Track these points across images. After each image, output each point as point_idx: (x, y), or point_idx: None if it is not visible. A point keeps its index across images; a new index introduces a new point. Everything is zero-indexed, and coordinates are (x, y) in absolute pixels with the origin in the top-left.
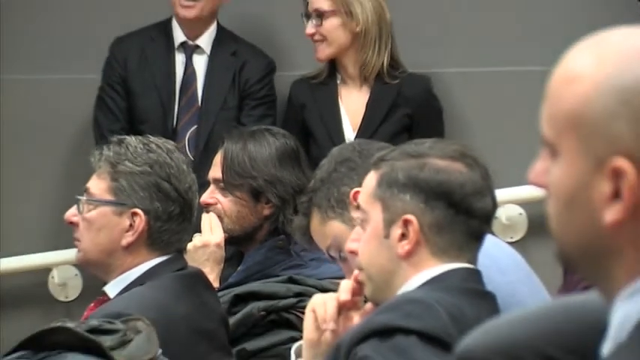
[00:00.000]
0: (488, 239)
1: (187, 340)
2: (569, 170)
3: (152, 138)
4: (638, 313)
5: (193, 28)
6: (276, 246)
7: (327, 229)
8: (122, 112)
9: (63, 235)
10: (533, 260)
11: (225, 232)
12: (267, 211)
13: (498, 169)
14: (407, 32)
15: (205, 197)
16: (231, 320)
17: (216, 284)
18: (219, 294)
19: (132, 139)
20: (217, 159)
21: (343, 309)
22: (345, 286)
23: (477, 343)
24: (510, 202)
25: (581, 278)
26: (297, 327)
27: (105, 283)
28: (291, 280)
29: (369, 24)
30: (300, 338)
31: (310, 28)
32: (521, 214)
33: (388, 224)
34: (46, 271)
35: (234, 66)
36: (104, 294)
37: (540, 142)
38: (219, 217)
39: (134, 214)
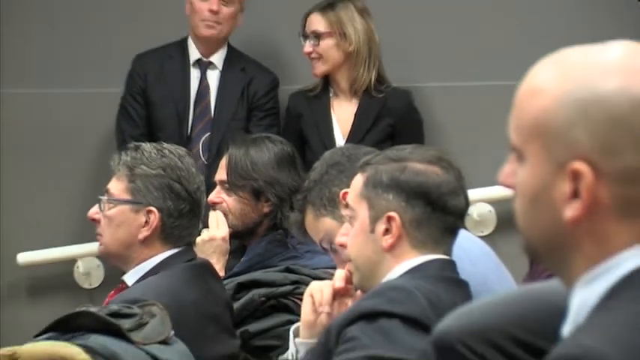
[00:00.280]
0: (462, 233)
1: (196, 323)
2: (534, 172)
3: (165, 144)
4: (594, 298)
5: (209, 46)
6: (275, 239)
7: (319, 225)
8: (142, 120)
9: (87, 231)
10: (502, 252)
11: (229, 227)
12: (266, 209)
13: (470, 171)
14: (391, 51)
15: (212, 197)
16: (235, 305)
17: (221, 273)
18: (225, 282)
19: (147, 146)
20: (223, 163)
21: (338, 295)
22: (340, 275)
23: (452, 326)
24: (481, 200)
25: (544, 268)
26: (293, 311)
27: (124, 273)
28: (288, 270)
29: (360, 44)
30: (296, 321)
31: (308, 47)
32: (490, 211)
33: (373, 220)
34: (72, 262)
35: (243, 81)
36: (123, 282)
37: (508, 148)
38: (225, 214)
39: (149, 211)
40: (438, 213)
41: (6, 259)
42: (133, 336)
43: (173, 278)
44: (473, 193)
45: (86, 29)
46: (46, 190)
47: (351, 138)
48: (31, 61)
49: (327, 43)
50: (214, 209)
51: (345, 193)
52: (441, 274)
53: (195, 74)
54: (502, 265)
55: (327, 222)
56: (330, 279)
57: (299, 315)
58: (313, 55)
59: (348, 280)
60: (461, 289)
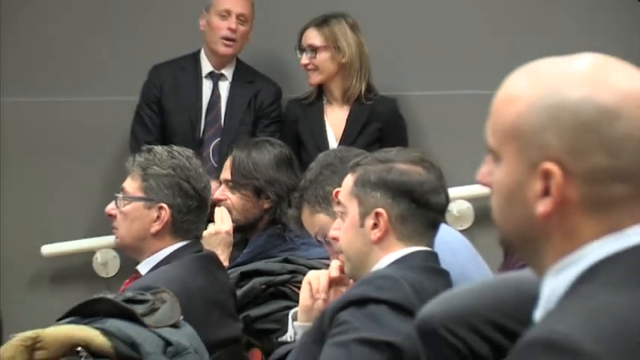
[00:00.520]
0: (443, 228)
1: (203, 309)
2: (509, 172)
3: (175, 147)
4: (563, 286)
5: (222, 61)
6: (274, 233)
7: (314, 220)
8: (155, 127)
9: (104, 225)
10: (479, 245)
11: (233, 222)
12: (266, 205)
13: (450, 171)
14: (378, 62)
15: (217, 194)
16: (239, 292)
17: (226, 264)
18: (229, 271)
19: (159, 148)
20: (227, 164)
21: (333, 283)
22: (335, 265)
23: (434, 311)
24: (460, 198)
25: (518, 259)
26: (291, 298)
27: (137, 263)
28: (286, 260)
29: (352, 57)
30: (293, 306)
31: (305, 59)
32: (469, 207)
33: (363, 216)
34: (91, 253)
35: (250, 92)
36: (137, 272)
37: (485, 150)
38: (229, 210)
39: (160, 207)
40: (421, 209)
41: (31, 251)
42: (146, 320)
43: (182, 268)
44: (453, 191)
45: (101, 41)
46: (68, 190)
47: (343, 141)
48: (56, 72)
49: (322, 56)
50: (219, 206)
51: (338, 192)
52: (424, 265)
53: (207, 85)
54: (479, 256)
55: (322, 217)
56: (325, 269)
57: (296, 301)
58: (310, 67)
59: (343, 270)
60: (442, 278)
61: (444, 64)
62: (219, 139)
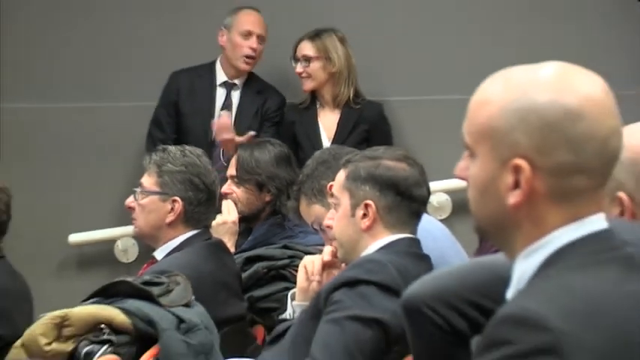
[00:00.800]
0: (424, 217)
1: (212, 290)
2: (483, 167)
3: (187, 147)
4: (532, 268)
5: (238, 73)
6: (275, 223)
7: (311, 210)
8: (170, 127)
9: (124, 216)
10: (456, 232)
11: (238, 213)
12: (268, 198)
13: (431, 167)
14: (366, 70)
15: (224, 188)
16: (243, 275)
17: (232, 250)
18: (235, 257)
19: (172, 148)
20: (233, 161)
21: (326, 266)
22: (328, 250)
23: (418, 291)
24: (440, 190)
25: (491, 244)
26: (290, 280)
27: (154, 250)
28: (285, 247)
29: (341, 67)
30: (292, 288)
31: (299, 68)
32: (447, 199)
33: (354, 207)
34: (112, 241)
35: (259, 101)
36: (153, 258)
37: (462, 147)
38: (235, 202)
39: (174, 200)
40: (406, 201)
41: (59, 239)
42: (162, 300)
43: (193, 254)
44: (433, 185)
45: (122, 53)
46: (92, 186)
47: (335, 141)
48: (81, 79)
49: (315, 65)
50: (226, 199)
51: (331, 185)
52: (408, 250)
53: (221, 92)
54: (457, 242)
55: (317, 208)
56: (320, 254)
57: (294, 283)
58: (303, 75)
59: (335, 255)
60: (424, 262)
61: (424, 72)
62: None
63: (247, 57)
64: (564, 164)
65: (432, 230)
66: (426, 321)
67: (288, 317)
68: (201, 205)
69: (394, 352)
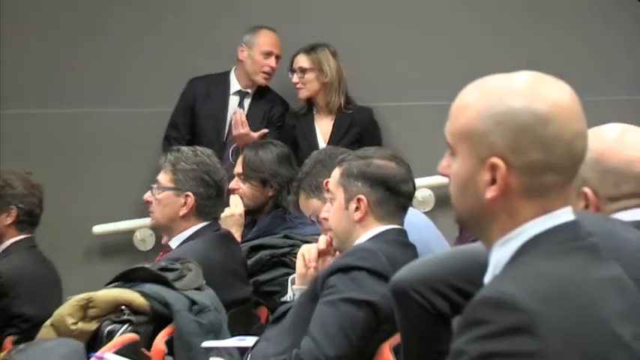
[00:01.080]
0: (410, 210)
1: (221, 275)
2: (463, 165)
3: (198, 148)
4: (507, 256)
5: (252, 84)
6: (277, 215)
7: (309, 204)
8: (184, 128)
9: (143, 209)
10: (439, 223)
11: (244, 206)
12: (271, 193)
13: (416, 165)
14: (358, 79)
15: (232, 184)
16: (249, 262)
17: (239, 240)
18: (241, 246)
19: (185, 148)
20: (239, 160)
21: (321, 254)
22: (323, 239)
23: (405, 276)
24: (424, 186)
25: (470, 234)
26: (290, 266)
27: (169, 239)
28: (286, 237)
29: (333, 77)
30: (292, 273)
31: (295, 78)
32: (430, 194)
33: (347, 201)
34: (132, 231)
35: (266, 108)
36: (168, 246)
37: (444, 147)
38: (241, 197)
39: (187, 195)
40: (394, 195)
41: (84, 230)
42: (176, 284)
43: (204, 243)
44: (418, 181)
45: (139, 61)
46: (114, 182)
47: (330, 142)
48: (112, 87)
49: (309, 76)
50: (233, 194)
51: (327, 182)
52: (396, 239)
53: (234, 100)
54: (439, 232)
55: (315, 202)
56: (316, 243)
57: (294, 269)
58: (299, 85)
59: (329, 243)
60: (410, 250)
61: (410, 81)
62: (236, 143)
63: (266, 73)
64: (536, 163)
65: (416, 222)
66: (412, 303)
67: (288, 300)
68: (211, 199)
69: (383, 331)
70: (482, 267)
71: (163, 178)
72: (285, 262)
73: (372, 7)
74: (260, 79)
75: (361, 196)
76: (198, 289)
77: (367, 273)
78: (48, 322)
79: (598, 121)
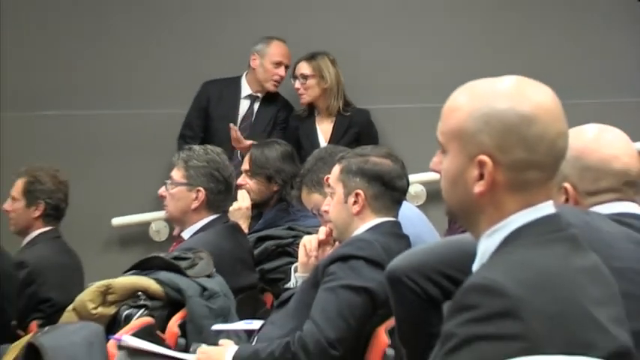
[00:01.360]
0: (404, 204)
1: (230, 264)
2: (454, 162)
3: (209, 146)
4: (493, 246)
5: (262, 89)
6: (282, 208)
7: (311, 198)
8: (197, 128)
9: (158, 203)
10: (430, 216)
11: (251, 200)
12: (275, 188)
13: (409, 162)
14: (356, 83)
15: (239, 180)
16: (255, 252)
17: (246, 231)
18: (248, 237)
19: (197, 147)
20: (247, 158)
21: (321, 244)
22: (322, 230)
23: (399, 264)
24: (417, 182)
25: (459, 226)
26: (293, 255)
27: (182, 231)
28: (290, 228)
29: (332, 83)
30: (295, 262)
31: (298, 84)
32: (422, 189)
33: (346, 195)
34: (147, 223)
35: (274, 110)
36: (181, 237)
37: (436, 146)
38: (248, 192)
39: (198, 190)
40: (389, 190)
41: (104, 222)
42: (188, 272)
43: (214, 234)
44: (411, 177)
45: (151, 64)
46: (131, 179)
47: (331, 142)
48: (130, 88)
49: (310, 82)
50: (241, 189)
51: (328, 178)
52: (391, 231)
53: (245, 103)
54: (431, 224)
55: (316, 197)
56: (317, 234)
57: (297, 258)
58: (301, 91)
59: (329, 234)
60: (404, 241)
61: (405, 85)
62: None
63: (276, 81)
64: (520, 160)
65: (410, 215)
66: (406, 289)
67: (291, 286)
68: (220, 194)
69: (379, 315)
70: (471, 256)
71: (176, 174)
72: (288, 251)
73: (368, 17)
74: (270, 86)
75: (359, 191)
76: (208, 276)
77: (364, 262)
78: (70, 307)
79: (598, 122)
